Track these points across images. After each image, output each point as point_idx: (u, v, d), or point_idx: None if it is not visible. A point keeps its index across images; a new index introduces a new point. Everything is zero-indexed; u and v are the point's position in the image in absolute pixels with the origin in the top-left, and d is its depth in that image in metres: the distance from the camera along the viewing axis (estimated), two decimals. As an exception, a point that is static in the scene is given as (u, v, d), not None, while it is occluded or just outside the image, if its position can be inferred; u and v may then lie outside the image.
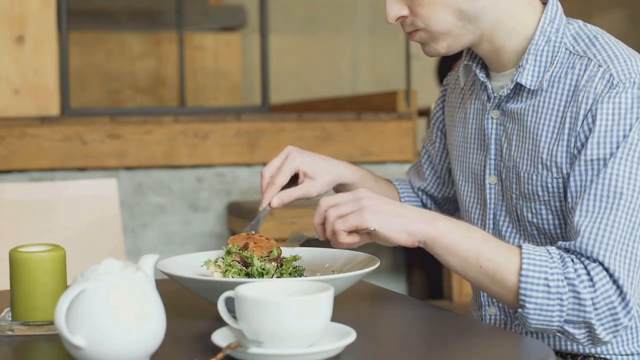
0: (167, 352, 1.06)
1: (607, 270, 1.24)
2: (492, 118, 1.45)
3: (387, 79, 5.60)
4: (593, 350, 1.41)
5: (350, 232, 1.26)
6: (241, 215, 3.05)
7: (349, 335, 1.05)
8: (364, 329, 1.14)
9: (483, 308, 1.49)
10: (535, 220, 1.39)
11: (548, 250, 1.27)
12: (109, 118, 3.08)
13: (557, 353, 1.43)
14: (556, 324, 1.25)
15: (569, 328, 1.25)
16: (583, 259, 1.26)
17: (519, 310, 1.26)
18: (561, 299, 1.23)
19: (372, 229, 1.24)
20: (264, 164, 3.23)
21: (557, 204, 1.37)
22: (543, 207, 1.38)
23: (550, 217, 1.38)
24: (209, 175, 3.18)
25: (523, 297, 1.24)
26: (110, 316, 0.98)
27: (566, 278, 1.24)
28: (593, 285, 1.23)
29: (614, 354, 1.40)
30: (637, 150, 1.28)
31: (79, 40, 4.51)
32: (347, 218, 1.25)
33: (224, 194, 3.19)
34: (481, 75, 1.46)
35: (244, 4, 5.20)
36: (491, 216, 1.46)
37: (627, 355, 1.41)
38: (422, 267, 3.39)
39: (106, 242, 2.05)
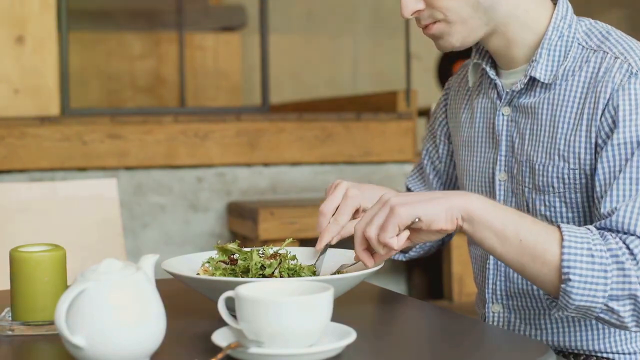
0: (167, 352, 1.06)
1: None
2: (503, 115, 1.46)
3: (387, 79, 5.60)
4: (596, 348, 1.41)
5: (397, 235, 1.24)
6: (241, 215, 3.05)
7: (349, 335, 1.05)
8: (364, 329, 1.14)
9: (487, 305, 1.49)
10: (548, 213, 1.39)
11: (586, 227, 1.26)
12: (109, 118, 3.08)
13: (559, 352, 1.44)
14: (600, 300, 1.21)
15: (613, 305, 1.22)
16: (620, 234, 1.25)
17: (562, 286, 1.22)
18: (605, 271, 1.21)
19: (415, 220, 1.22)
20: (264, 164, 3.25)
21: (572, 195, 1.37)
22: (557, 199, 1.38)
23: (563, 209, 1.38)
24: (209, 175, 3.18)
25: (567, 270, 1.21)
26: (110, 316, 0.98)
27: (609, 250, 1.22)
28: (635, 258, 1.22)
29: (616, 352, 1.41)
30: None
31: (79, 40, 4.51)
32: (386, 224, 1.22)
33: (224, 194, 3.19)
34: (491, 73, 1.47)
35: (244, 4, 5.21)
36: None
37: (628, 354, 1.41)
38: (422, 267, 3.40)
39: (106, 242, 2.05)
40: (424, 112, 4.06)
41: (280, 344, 1.01)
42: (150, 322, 1.00)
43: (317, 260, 1.37)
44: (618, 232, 1.25)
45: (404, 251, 1.63)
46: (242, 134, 3.20)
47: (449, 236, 1.67)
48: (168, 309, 1.05)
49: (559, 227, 1.25)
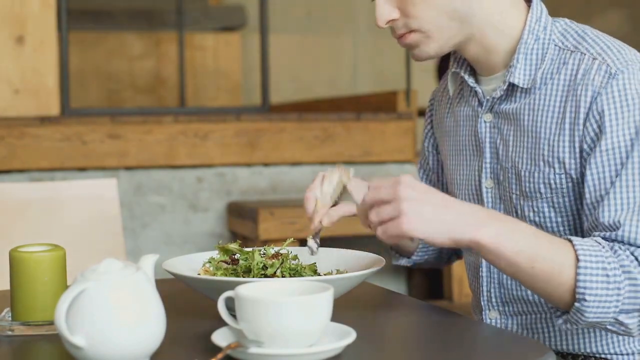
0: (167, 352, 1.06)
1: None
2: (485, 122, 1.45)
3: (387, 79, 5.60)
4: (594, 350, 1.41)
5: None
6: (241, 215, 3.05)
7: (349, 335, 1.05)
8: (364, 329, 1.14)
9: (484, 312, 1.49)
10: (537, 219, 1.39)
11: (595, 240, 1.24)
12: (109, 118, 3.08)
13: (558, 354, 1.43)
14: (611, 315, 1.22)
15: (623, 318, 1.22)
16: (628, 246, 1.24)
17: (576, 304, 1.21)
18: (619, 288, 1.20)
19: (412, 239, 1.20)
20: (264, 164, 3.25)
21: (560, 200, 1.36)
22: (545, 204, 1.38)
23: (552, 214, 1.38)
24: (209, 175, 3.18)
25: (582, 290, 1.20)
26: (110, 316, 0.98)
27: (621, 266, 1.21)
28: None
29: (614, 354, 1.40)
30: None
31: (79, 40, 4.51)
32: (387, 227, 1.20)
33: (224, 194, 3.19)
34: (470, 81, 1.45)
35: (244, 4, 5.21)
36: None
37: (627, 354, 1.41)
38: (422, 267, 3.39)
39: (106, 242, 2.05)
40: (424, 112, 4.06)
41: (280, 344, 1.01)
42: (150, 322, 1.00)
43: (311, 239, 1.37)
44: (625, 243, 1.25)
45: (407, 255, 1.63)
46: (242, 134, 3.20)
47: (458, 257, 1.67)
48: (168, 309, 1.05)
49: (571, 243, 1.23)
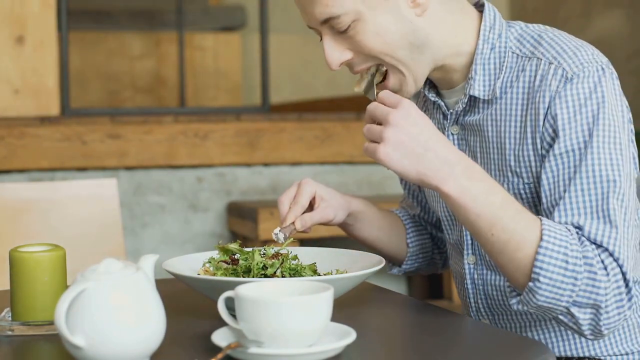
0: (167, 352, 1.06)
1: (612, 255, 1.22)
2: (452, 134, 1.44)
3: (387, 79, 5.58)
4: (586, 354, 1.40)
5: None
6: (241, 215, 3.05)
7: (349, 335, 1.05)
8: (364, 329, 1.14)
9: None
10: None
11: (566, 227, 1.23)
12: (109, 118, 3.08)
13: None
14: (564, 303, 1.21)
15: (574, 310, 1.21)
16: (591, 243, 1.24)
17: (530, 284, 1.20)
18: (575, 278, 1.19)
19: (386, 168, 1.21)
20: (264, 164, 3.25)
21: (532, 210, 1.35)
22: None
23: None
24: (209, 175, 3.18)
25: (538, 270, 1.19)
26: (110, 316, 0.98)
27: (584, 257, 1.21)
28: (605, 268, 1.21)
29: (609, 355, 1.40)
30: (610, 135, 1.28)
31: (79, 40, 4.51)
32: (368, 147, 1.22)
33: (223, 194, 3.19)
34: (431, 96, 1.44)
35: (244, 4, 5.20)
36: (467, 231, 1.45)
37: (622, 355, 1.40)
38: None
39: (106, 242, 2.05)
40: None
41: (280, 344, 1.01)
42: (150, 322, 1.00)
43: (280, 231, 1.37)
44: (590, 242, 1.24)
45: (398, 264, 1.62)
46: (242, 134, 3.20)
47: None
48: (168, 309, 1.05)
49: (541, 222, 1.22)
